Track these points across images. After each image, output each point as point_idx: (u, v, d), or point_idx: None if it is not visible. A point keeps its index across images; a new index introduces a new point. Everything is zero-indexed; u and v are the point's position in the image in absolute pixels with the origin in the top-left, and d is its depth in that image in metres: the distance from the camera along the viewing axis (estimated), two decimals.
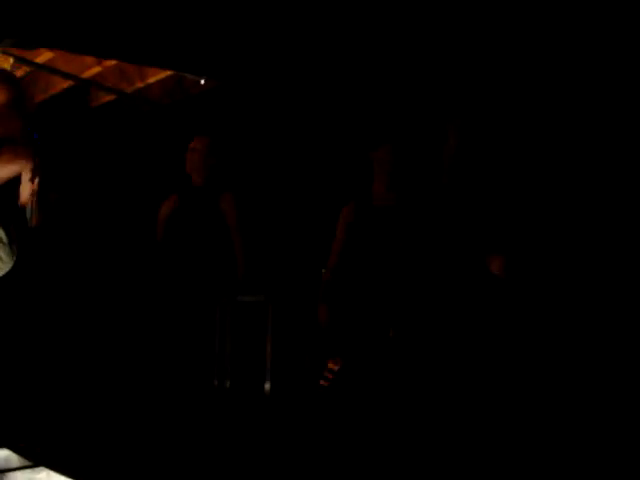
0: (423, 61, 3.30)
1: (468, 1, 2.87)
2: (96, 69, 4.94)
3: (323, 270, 4.47)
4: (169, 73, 4.89)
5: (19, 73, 4.99)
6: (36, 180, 2.55)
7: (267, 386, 3.99)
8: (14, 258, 2.57)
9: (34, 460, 2.22)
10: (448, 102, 3.36)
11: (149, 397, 3.91)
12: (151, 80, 5.09)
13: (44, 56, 4.92)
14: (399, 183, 3.47)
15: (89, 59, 4.94)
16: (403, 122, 3.86)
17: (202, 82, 4.28)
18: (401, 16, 3.08)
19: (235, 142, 4.68)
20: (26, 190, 2.57)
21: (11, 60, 4.34)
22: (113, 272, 5.32)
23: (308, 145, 4.68)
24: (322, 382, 3.29)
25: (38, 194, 3.14)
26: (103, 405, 3.76)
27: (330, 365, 3.32)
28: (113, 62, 4.82)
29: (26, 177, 2.53)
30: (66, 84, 5.32)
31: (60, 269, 4.81)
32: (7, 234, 2.48)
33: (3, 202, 2.55)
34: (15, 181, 2.60)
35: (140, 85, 5.13)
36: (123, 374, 4.34)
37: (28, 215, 2.64)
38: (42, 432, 2.95)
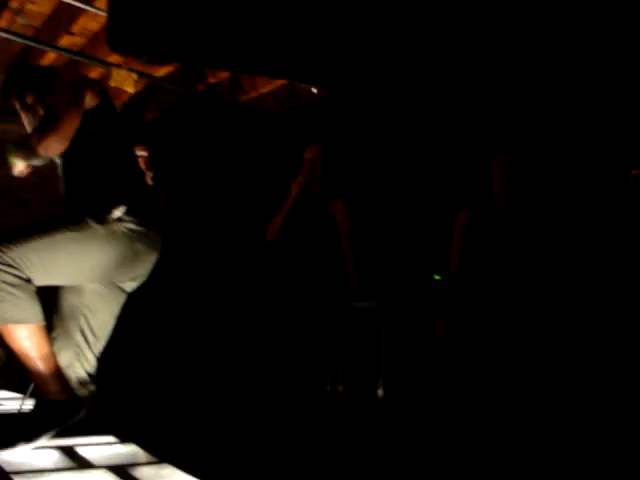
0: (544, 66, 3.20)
1: None
2: (210, 80, 5.10)
3: (435, 276, 4.41)
4: (281, 82, 4.99)
5: (139, 86, 5.23)
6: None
7: (380, 392, 3.96)
8: (158, 246, 2.63)
9: (160, 456, 2.28)
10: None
11: (263, 401, 3.97)
12: (264, 90, 5.21)
13: (164, 69, 5.14)
14: (520, 187, 3.37)
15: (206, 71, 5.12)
16: (522, 126, 3.77)
17: (315, 91, 4.34)
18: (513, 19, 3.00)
19: (347, 149, 4.70)
20: None
21: (134, 75, 4.54)
22: (225, 276, 5.45)
23: (420, 150, 4.64)
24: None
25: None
26: (222, 406, 3.84)
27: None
28: (227, 73, 4.96)
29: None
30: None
31: (173, 269, 4.94)
32: (140, 221, 2.52)
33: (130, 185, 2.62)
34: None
35: (253, 95, 5.26)
36: (238, 377, 4.44)
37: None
38: (168, 428, 3.04)
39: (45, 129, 2.42)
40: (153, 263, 2.65)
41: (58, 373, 2.36)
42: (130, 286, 2.67)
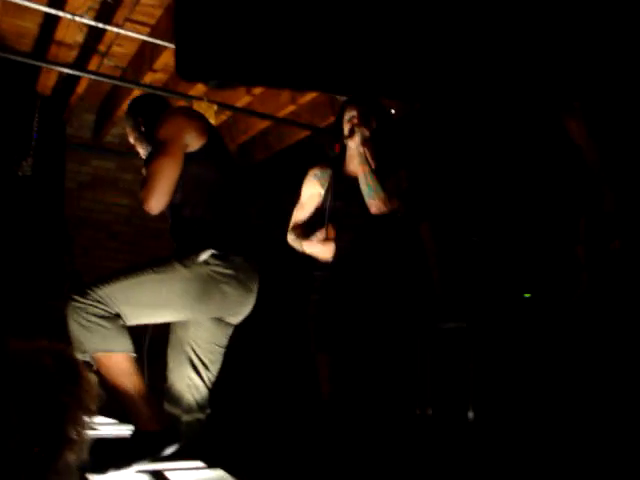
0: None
1: None
2: (290, 107, 5.18)
3: (526, 295, 4.30)
4: None
5: (222, 118, 5.36)
6: None
7: (470, 414, 3.87)
8: (250, 287, 2.67)
9: None
10: None
11: (350, 424, 3.94)
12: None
13: (243, 100, 5.26)
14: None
15: (283, 99, 5.20)
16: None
17: (392, 112, 4.32)
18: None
19: (432, 169, 4.66)
20: None
21: (215, 107, 4.66)
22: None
23: (502, 167, 4.55)
24: None
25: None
26: (306, 430, 3.84)
27: None
28: (306, 99, 5.02)
29: None
30: (263, 124, 5.63)
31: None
32: (228, 264, 2.57)
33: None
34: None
35: (332, 120, 5.29)
36: (324, 401, 4.42)
37: None
38: (254, 453, 3.06)
39: (144, 190, 2.50)
40: (248, 302, 2.70)
41: (149, 403, 2.42)
42: (233, 320, 2.74)
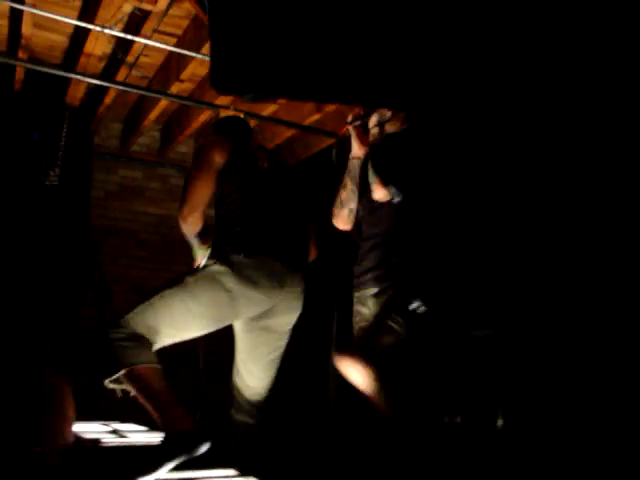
0: None
1: None
2: (316, 116, 5.19)
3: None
4: None
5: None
6: None
7: (500, 422, 3.84)
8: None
9: None
10: None
11: (382, 435, 3.94)
12: None
13: (269, 109, 5.29)
14: None
15: (308, 108, 5.22)
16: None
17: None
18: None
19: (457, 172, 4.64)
20: None
21: (242, 115, 4.69)
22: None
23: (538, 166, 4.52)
24: None
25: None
26: (340, 438, 3.84)
27: None
28: (332, 107, 5.03)
29: None
30: (289, 132, 5.65)
31: None
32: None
33: None
34: None
35: None
36: (356, 409, 4.42)
37: None
38: (288, 462, 3.07)
39: (179, 211, 2.83)
40: (262, 298, 2.68)
41: (178, 404, 2.44)
42: (277, 324, 2.78)
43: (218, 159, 2.81)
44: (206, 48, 4.45)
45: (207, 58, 4.55)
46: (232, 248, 2.65)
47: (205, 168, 2.80)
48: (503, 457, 3.60)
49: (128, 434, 3.72)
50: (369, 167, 2.75)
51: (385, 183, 2.71)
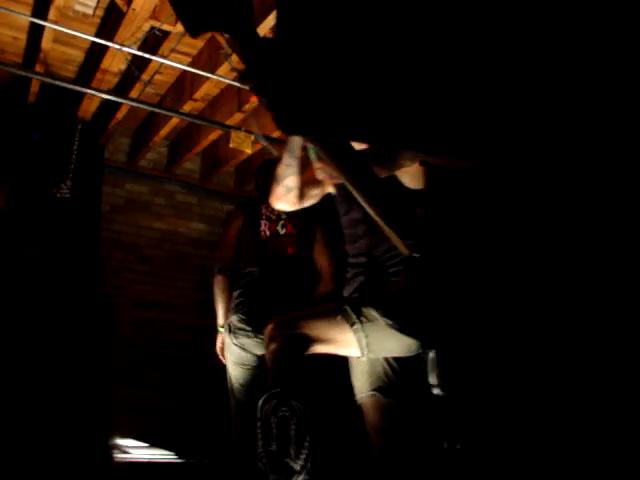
0: None
1: None
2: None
3: None
4: None
5: (257, 147, 5.44)
6: None
7: (497, 449, 3.88)
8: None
9: None
10: None
11: (383, 458, 3.96)
12: None
13: (278, 130, 5.34)
14: None
15: None
16: None
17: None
18: None
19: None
20: None
21: (252, 137, 4.76)
22: None
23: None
24: None
25: None
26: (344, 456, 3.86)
27: None
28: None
29: None
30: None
31: None
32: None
33: None
34: None
35: None
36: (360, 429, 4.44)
37: None
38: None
39: None
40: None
41: None
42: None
43: (232, 230, 3.71)
44: (220, 69, 4.52)
45: (221, 79, 4.62)
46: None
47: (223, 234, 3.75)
48: None
49: (130, 450, 3.74)
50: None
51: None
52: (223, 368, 3.90)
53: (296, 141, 2.46)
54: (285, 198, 2.59)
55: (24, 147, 5.68)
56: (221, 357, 3.85)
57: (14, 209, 5.66)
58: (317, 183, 2.56)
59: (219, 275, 3.74)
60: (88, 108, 5.38)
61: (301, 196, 2.63)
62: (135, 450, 3.70)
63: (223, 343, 3.70)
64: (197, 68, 4.69)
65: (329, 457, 3.81)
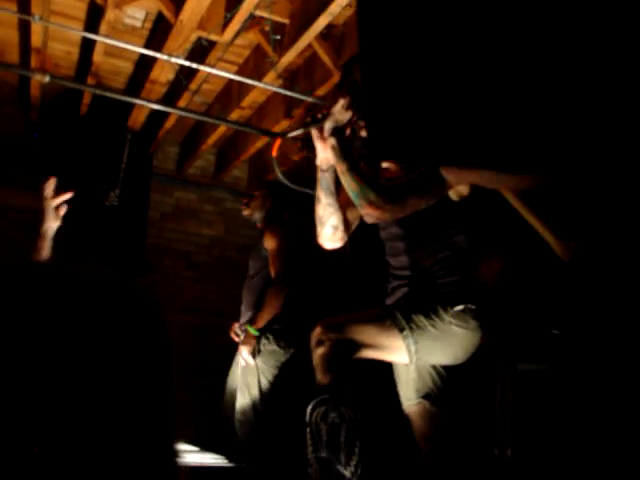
0: None
1: None
2: None
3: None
4: None
5: (302, 154, 5.47)
6: None
7: (551, 456, 3.82)
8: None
9: None
10: None
11: (432, 466, 3.94)
12: None
13: None
14: None
15: None
16: None
17: None
18: None
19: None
20: None
21: (298, 144, 4.78)
22: None
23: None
24: None
25: None
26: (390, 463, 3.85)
27: None
28: None
29: None
30: None
31: None
32: None
33: None
34: None
35: None
36: (403, 438, 4.42)
37: None
38: None
39: None
40: None
41: None
42: None
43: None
44: (267, 77, 4.56)
45: (268, 87, 4.66)
46: None
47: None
48: None
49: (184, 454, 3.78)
50: (351, 186, 2.27)
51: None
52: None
53: (328, 177, 2.42)
54: (334, 237, 2.57)
55: (76, 157, 5.82)
56: (248, 359, 4.04)
57: (65, 216, 5.79)
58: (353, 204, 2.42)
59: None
60: (137, 118, 5.49)
61: (347, 228, 2.60)
62: (188, 454, 3.75)
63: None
64: (243, 76, 4.75)
65: (379, 463, 3.80)
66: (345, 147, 2.29)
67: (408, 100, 1.15)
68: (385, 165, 2.58)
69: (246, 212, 4.54)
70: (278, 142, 2.56)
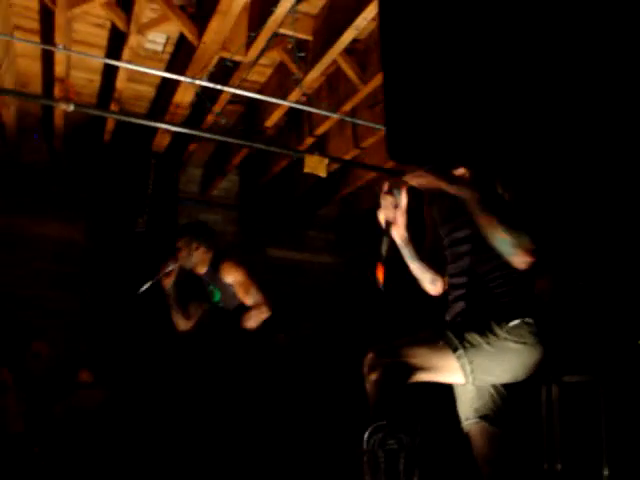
0: None
1: None
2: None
3: None
4: None
5: (329, 169, 5.42)
6: None
7: (605, 472, 3.70)
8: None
9: None
10: None
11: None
12: None
13: (351, 153, 5.31)
14: None
15: None
16: None
17: None
18: None
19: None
20: None
21: (326, 160, 4.74)
22: None
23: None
24: None
25: None
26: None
27: None
28: None
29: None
30: (371, 175, 5.67)
31: None
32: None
33: None
34: None
35: None
36: (448, 450, 4.33)
37: None
38: None
39: None
40: None
41: None
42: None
43: None
44: (292, 95, 4.51)
45: (292, 105, 4.62)
46: None
47: None
48: None
49: None
50: (503, 236, 2.30)
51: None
52: None
53: (408, 251, 2.64)
54: (436, 289, 2.74)
55: (102, 184, 5.82)
56: None
57: (94, 245, 5.79)
58: (438, 243, 2.67)
59: None
60: (162, 142, 5.46)
61: (440, 269, 2.71)
62: None
63: None
64: (265, 95, 4.71)
65: None
66: (482, 202, 2.28)
67: (427, 105, 1.12)
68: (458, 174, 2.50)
69: (179, 264, 4.43)
70: (380, 270, 2.60)
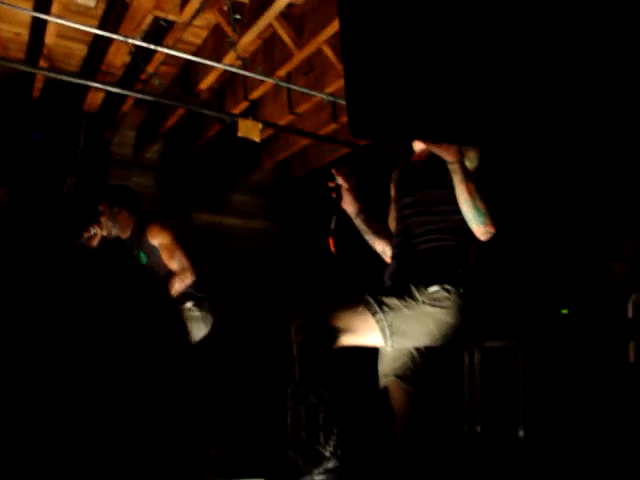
0: None
1: None
2: (332, 126, 5.23)
3: (563, 311, 4.31)
4: None
5: (264, 135, 5.41)
6: None
7: (521, 432, 3.88)
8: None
9: None
10: None
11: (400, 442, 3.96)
12: None
13: (286, 118, 5.31)
14: None
15: (324, 117, 5.26)
16: None
17: None
18: None
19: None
20: None
21: (260, 125, 4.73)
22: None
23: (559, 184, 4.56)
24: None
25: None
26: (358, 442, 3.86)
27: None
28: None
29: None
30: (305, 141, 5.69)
31: None
32: None
33: None
34: None
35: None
36: (376, 415, 4.44)
37: None
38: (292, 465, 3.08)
39: None
40: None
41: None
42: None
43: None
44: (226, 58, 4.47)
45: (226, 68, 4.57)
46: None
47: None
48: (523, 467, 3.63)
49: None
50: (478, 205, 2.43)
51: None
52: None
53: (358, 222, 2.87)
54: (387, 258, 2.88)
55: (29, 142, 5.65)
56: None
57: (18, 204, 5.64)
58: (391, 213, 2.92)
59: None
60: (94, 101, 5.34)
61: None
62: None
63: None
64: (201, 57, 4.65)
65: (357, 443, 3.81)
66: (466, 170, 2.43)
67: (387, 79, 1.13)
68: (417, 149, 2.84)
69: (102, 233, 4.39)
70: (331, 240, 2.77)
